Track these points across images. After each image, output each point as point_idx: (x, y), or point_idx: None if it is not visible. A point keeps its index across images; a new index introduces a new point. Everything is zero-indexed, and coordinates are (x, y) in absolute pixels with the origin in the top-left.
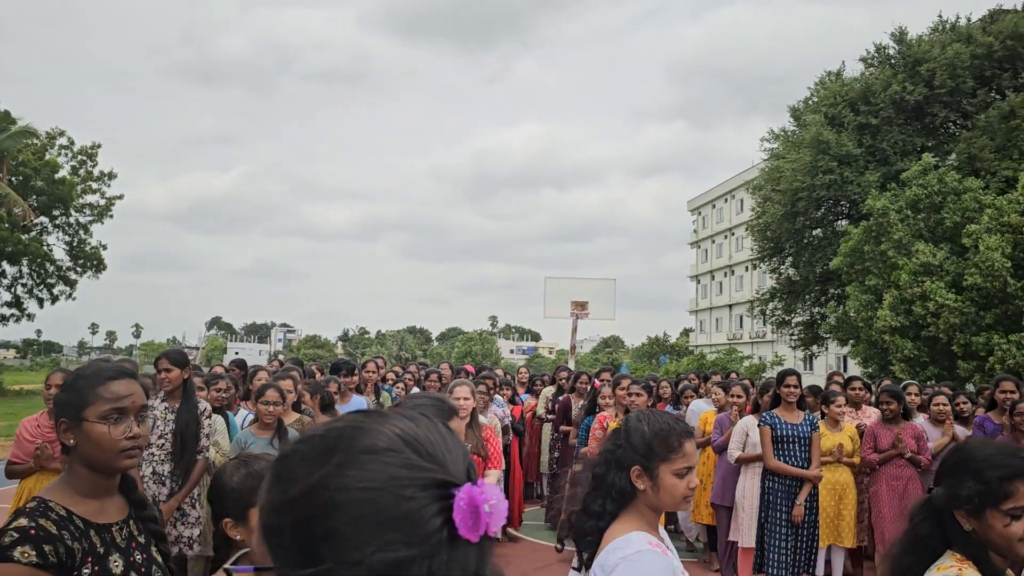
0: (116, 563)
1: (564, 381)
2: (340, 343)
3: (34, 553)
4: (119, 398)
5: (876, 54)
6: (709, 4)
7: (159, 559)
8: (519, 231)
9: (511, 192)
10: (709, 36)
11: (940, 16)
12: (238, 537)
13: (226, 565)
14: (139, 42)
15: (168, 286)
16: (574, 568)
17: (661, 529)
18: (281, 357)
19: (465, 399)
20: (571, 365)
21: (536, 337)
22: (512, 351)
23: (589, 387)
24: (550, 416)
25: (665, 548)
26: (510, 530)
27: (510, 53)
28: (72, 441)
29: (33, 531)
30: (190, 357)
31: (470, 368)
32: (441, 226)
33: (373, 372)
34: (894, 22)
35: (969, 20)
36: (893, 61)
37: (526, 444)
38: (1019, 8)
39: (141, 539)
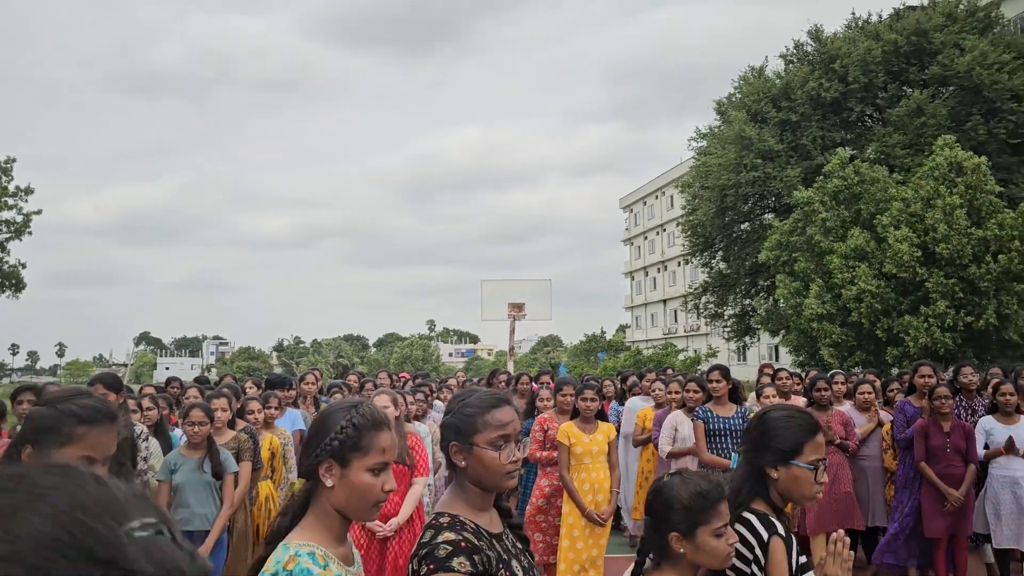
0: (517, 568)
1: (503, 384)
2: (275, 354)
3: (468, 563)
4: (503, 425)
5: (795, 51)
6: (644, 5)
7: (533, 562)
8: (458, 234)
9: (450, 196)
10: (644, 37)
11: (853, 14)
12: (681, 550)
13: None
14: (66, 52)
15: (95, 302)
16: None
17: None
18: (215, 372)
19: (384, 408)
20: (510, 366)
21: (475, 339)
22: (451, 354)
23: (529, 389)
24: None
25: None
26: None
27: (449, 58)
28: (463, 463)
29: (464, 544)
30: (119, 374)
31: (405, 375)
32: (379, 231)
33: (312, 384)
34: (810, 19)
35: (880, 17)
36: (811, 58)
37: None
38: (924, 4)
39: (519, 545)
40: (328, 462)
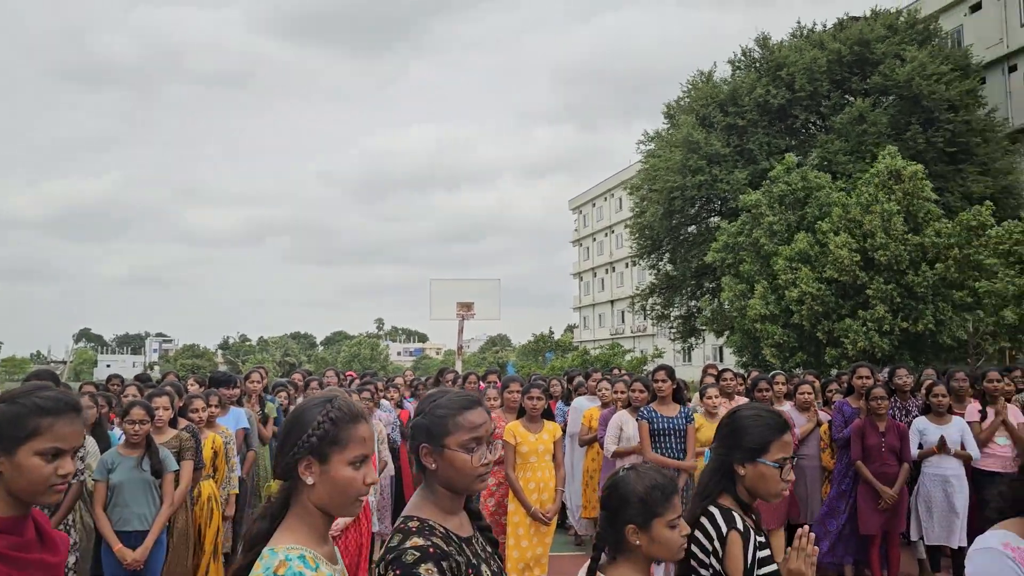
0: (486, 573)
1: (451, 383)
2: (220, 351)
3: (435, 570)
4: (475, 427)
5: (743, 57)
6: (597, 8)
7: (502, 566)
8: (409, 233)
9: (401, 194)
10: (595, 40)
11: (799, 23)
12: (637, 543)
13: None
14: (6, 39)
15: (33, 297)
16: None
17: None
18: (158, 370)
19: None
20: (458, 366)
21: (423, 338)
22: (399, 353)
23: (476, 388)
24: None
25: None
26: None
27: (402, 57)
28: (433, 465)
29: (432, 549)
30: (57, 371)
31: (352, 374)
32: (329, 229)
33: (257, 383)
34: (757, 27)
35: (825, 27)
36: (758, 65)
37: None
38: (867, 15)
39: (488, 549)
40: (307, 459)
